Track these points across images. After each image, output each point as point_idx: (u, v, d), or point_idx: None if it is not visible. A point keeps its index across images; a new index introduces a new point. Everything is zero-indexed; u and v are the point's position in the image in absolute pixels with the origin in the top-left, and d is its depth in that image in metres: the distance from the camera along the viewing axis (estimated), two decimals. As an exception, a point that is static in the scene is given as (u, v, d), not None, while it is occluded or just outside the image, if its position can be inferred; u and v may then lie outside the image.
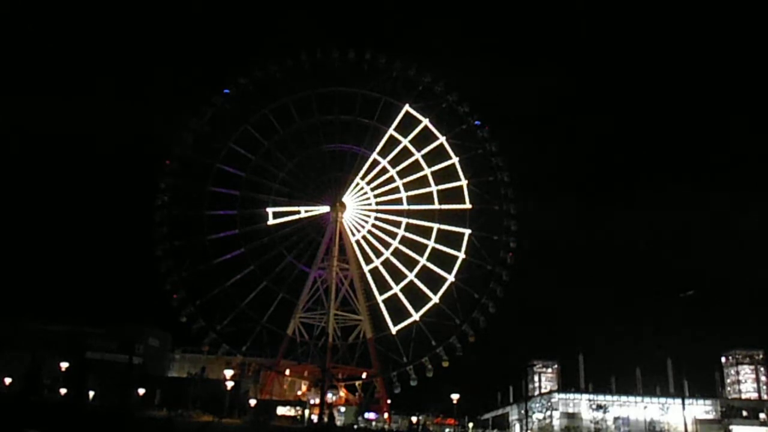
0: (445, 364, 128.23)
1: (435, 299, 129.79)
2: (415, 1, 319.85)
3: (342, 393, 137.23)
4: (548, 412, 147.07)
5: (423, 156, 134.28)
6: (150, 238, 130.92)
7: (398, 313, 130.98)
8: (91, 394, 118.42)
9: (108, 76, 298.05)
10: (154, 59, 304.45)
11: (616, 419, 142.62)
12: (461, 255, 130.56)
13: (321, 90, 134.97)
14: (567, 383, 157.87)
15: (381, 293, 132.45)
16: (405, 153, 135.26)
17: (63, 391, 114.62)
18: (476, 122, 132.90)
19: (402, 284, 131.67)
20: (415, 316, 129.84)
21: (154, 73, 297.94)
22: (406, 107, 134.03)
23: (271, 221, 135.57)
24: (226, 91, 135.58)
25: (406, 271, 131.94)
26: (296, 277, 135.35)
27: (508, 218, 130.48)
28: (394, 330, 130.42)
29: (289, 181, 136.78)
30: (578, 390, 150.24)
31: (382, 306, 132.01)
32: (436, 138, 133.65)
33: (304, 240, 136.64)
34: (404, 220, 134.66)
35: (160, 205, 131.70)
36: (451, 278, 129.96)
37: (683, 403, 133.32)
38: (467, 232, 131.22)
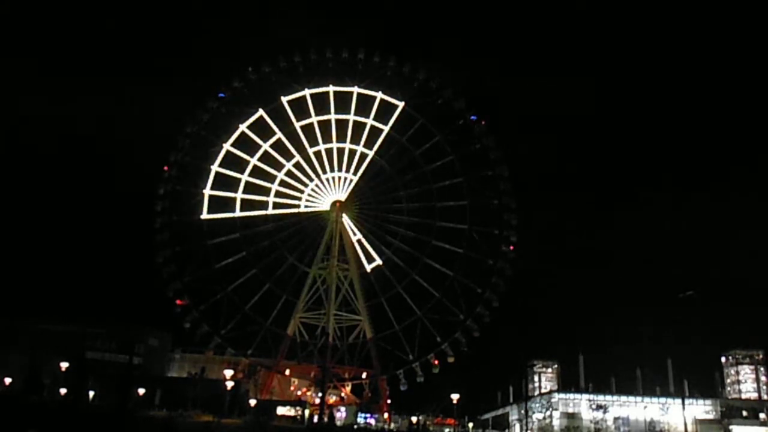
0: (451, 359, 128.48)
1: (438, 296, 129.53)
2: (411, 1, 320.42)
3: (343, 393, 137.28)
4: (548, 412, 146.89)
5: (421, 153, 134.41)
6: (151, 241, 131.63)
7: (401, 311, 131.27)
8: (91, 394, 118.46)
9: (107, 78, 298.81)
10: (151, 63, 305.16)
11: (616, 419, 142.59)
12: (462, 251, 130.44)
13: (316, 90, 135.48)
14: (567, 383, 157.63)
15: (383, 292, 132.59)
16: (403, 151, 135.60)
17: (63, 391, 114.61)
18: (472, 117, 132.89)
19: (404, 282, 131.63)
20: (419, 313, 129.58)
21: (152, 77, 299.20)
22: (402, 105, 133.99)
23: (270, 223, 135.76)
24: (222, 94, 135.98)
25: (407, 269, 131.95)
26: (298, 279, 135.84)
27: (508, 212, 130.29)
28: (397, 328, 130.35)
29: (288, 182, 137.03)
30: (578, 390, 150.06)
31: (385, 304, 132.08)
32: (433, 135, 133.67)
33: (304, 242, 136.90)
34: (404, 218, 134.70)
35: (159, 211, 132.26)
36: (453, 275, 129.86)
37: (683, 403, 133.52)
38: (468, 227, 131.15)
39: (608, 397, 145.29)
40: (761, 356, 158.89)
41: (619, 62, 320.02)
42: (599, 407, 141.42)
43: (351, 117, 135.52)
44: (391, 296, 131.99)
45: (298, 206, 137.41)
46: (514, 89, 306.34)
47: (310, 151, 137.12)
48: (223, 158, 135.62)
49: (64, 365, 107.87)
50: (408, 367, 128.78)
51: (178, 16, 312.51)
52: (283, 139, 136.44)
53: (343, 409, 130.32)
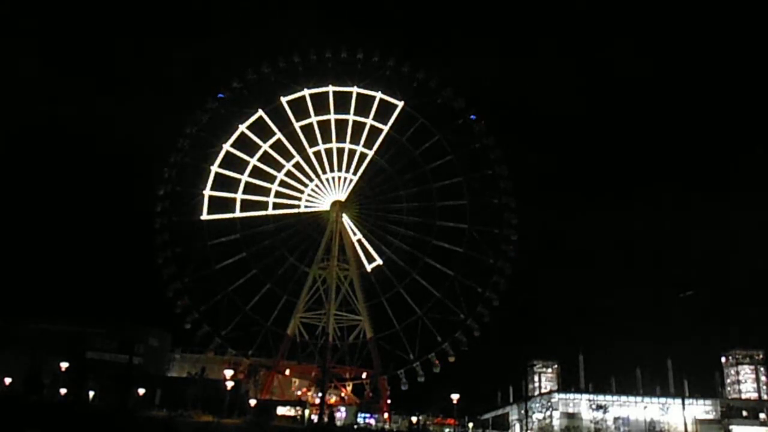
0: (452, 359, 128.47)
1: (438, 295, 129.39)
2: (411, 3, 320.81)
3: (343, 393, 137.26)
4: (548, 412, 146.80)
5: (420, 153, 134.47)
6: (151, 243, 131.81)
7: (402, 311, 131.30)
8: (91, 394, 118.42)
9: (106, 79, 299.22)
10: (151, 63, 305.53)
11: (616, 419, 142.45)
12: (462, 250, 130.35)
13: (315, 90, 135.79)
14: (567, 383, 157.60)
15: (384, 291, 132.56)
16: (402, 151, 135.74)
17: (63, 391, 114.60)
18: (472, 117, 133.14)
19: (404, 282, 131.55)
20: (419, 313, 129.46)
21: (151, 77, 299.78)
22: (401, 105, 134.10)
23: (270, 223, 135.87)
24: (221, 95, 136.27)
25: (408, 269, 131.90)
26: (299, 279, 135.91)
27: (508, 211, 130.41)
28: (398, 327, 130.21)
29: (288, 183, 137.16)
30: (578, 390, 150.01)
31: (386, 304, 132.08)
32: (433, 134, 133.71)
33: (305, 242, 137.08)
34: (404, 218, 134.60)
35: (159, 212, 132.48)
36: (453, 274, 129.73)
37: (683, 403, 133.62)
38: (468, 227, 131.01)
39: (608, 397, 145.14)
40: (761, 356, 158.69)
41: (619, 62, 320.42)
42: (599, 407, 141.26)
43: (350, 117, 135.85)
44: (391, 296, 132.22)
45: (298, 206, 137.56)
46: (514, 88, 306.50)
47: (310, 151, 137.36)
48: (223, 159, 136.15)
49: (64, 365, 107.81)
50: (409, 367, 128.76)
51: (177, 16, 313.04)
52: (283, 139, 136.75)
53: (343, 409, 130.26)
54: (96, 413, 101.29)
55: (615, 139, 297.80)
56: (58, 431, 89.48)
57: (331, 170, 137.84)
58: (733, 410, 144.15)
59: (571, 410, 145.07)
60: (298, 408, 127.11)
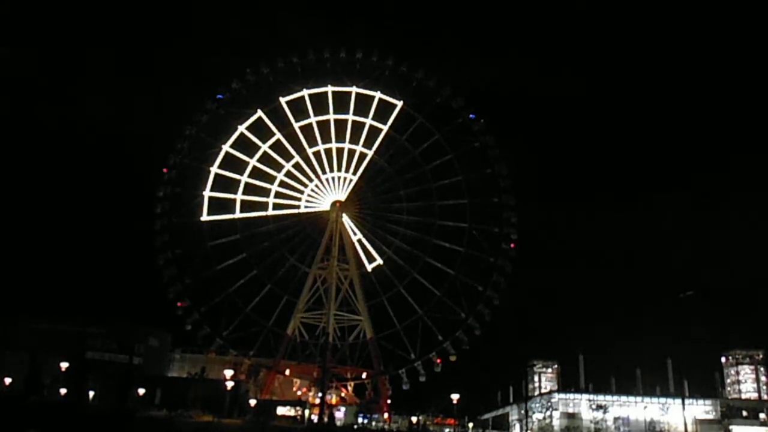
0: (453, 358, 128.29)
1: (438, 294, 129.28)
2: (409, 3, 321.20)
3: (343, 393, 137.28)
4: (548, 412, 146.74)
5: (420, 152, 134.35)
6: (151, 244, 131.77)
7: (402, 310, 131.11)
8: (91, 394, 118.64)
9: (106, 80, 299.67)
10: (150, 65, 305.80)
11: (616, 419, 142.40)
12: (463, 249, 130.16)
13: (314, 90, 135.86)
14: (567, 383, 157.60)
15: (384, 291, 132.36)
16: (402, 150, 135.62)
17: (63, 391, 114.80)
18: (471, 116, 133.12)
19: (405, 281, 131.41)
20: (420, 312, 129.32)
21: (150, 78, 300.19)
22: (401, 104, 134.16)
23: (270, 224, 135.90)
24: (220, 96, 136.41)
25: (408, 268, 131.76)
26: (299, 279, 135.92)
27: (508, 210, 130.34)
28: (399, 327, 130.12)
29: (288, 183, 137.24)
30: (578, 390, 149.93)
31: (386, 303, 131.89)
32: (432, 134, 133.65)
33: (305, 242, 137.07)
34: (404, 217, 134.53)
35: (159, 213, 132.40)
36: (453, 273, 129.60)
37: (683, 403, 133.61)
38: (468, 226, 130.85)
39: (608, 397, 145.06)
40: (761, 356, 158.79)
41: (619, 62, 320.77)
42: (599, 407, 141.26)
43: (350, 117, 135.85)
44: (392, 295, 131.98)
45: (298, 207, 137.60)
46: (514, 88, 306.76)
47: (310, 151, 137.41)
48: (223, 160, 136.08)
49: (64, 365, 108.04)
50: (410, 366, 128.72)
51: (177, 17, 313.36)
52: (282, 139, 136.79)
53: (343, 409, 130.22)
54: (96, 413, 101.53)
55: (616, 138, 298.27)
56: (58, 431, 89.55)
57: (331, 170, 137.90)
58: (733, 410, 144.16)
59: (571, 410, 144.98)
60: (298, 408, 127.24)
